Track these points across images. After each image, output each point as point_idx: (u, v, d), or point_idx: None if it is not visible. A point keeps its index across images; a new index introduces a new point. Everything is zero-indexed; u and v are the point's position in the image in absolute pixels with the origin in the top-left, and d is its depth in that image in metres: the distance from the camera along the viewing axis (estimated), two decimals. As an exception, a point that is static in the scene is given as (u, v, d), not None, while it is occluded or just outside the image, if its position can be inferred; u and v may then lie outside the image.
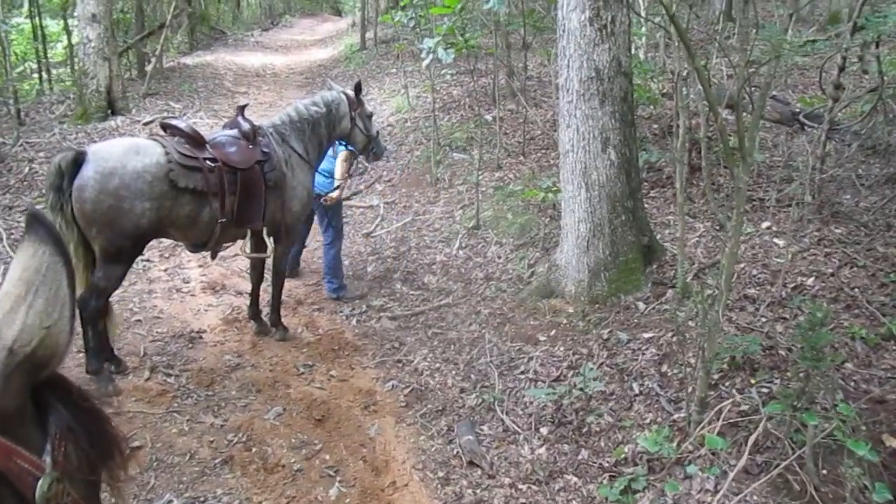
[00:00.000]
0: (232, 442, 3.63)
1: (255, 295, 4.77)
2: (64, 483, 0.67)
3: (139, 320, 4.86)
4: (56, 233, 0.73)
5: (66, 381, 0.75)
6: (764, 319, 3.93)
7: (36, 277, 0.70)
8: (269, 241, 4.40)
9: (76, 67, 11.13)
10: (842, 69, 4.90)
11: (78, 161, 3.67)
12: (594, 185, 4.51)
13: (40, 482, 0.65)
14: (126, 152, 3.77)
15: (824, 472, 2.88)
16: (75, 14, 10.84)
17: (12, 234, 6.09)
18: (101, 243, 3.77)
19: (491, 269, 5.47)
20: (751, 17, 3.42)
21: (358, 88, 5.07)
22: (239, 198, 4.12)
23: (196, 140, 4.06)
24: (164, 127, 4.19)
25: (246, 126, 4.32)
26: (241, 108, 4.51)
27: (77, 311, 3.49)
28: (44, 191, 3.69)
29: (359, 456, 3.62)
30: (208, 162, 4.00)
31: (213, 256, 4.52)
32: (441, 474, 3.45)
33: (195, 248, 4.31)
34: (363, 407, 4.05)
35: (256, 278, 4.74)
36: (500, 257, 5.59)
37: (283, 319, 4.83)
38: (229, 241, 4.41)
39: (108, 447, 0.78)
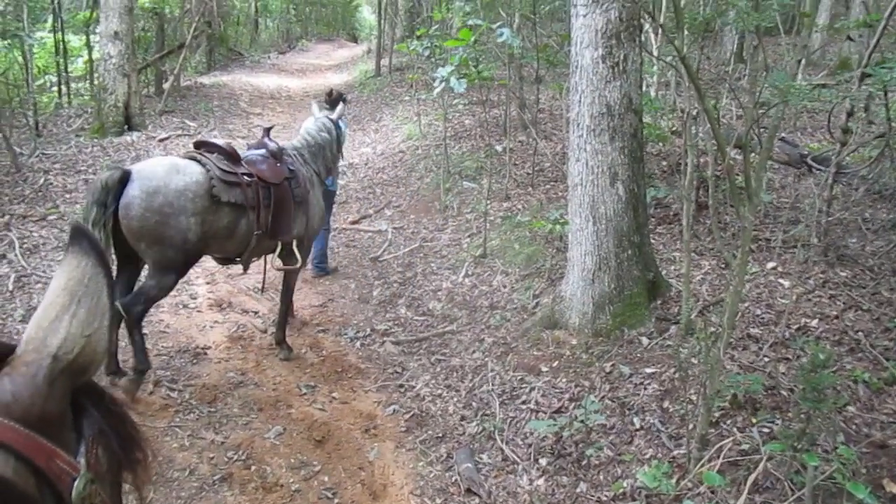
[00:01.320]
0: (232, 459, 3.64)
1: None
2: (97, 484, 0.70)
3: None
4: (98, 245, 0.77)
5: (97, 385, 0.79)
6: (767, 359, 3.94)
7: (79, 288, 0.73)
8: (298, 254, 4.71)
9: (96, 82, 11.33)
10: (850, 114, 4.96)
11: (123, 180, 3.85)
12: (602, 219, 4.55)
13: (76, 482, 0.67)
14: (168, 171, 3.97)
15: (823, 514, 2.87)
16: (97, 31, 11.06)
17: (24, 242, 6.16)
18: (152, 257, 3.99)
19: (496, 297, 5.49)
20: (760, 60, 3.49)
21: (337, 100, 5.79)
22: (272, 211, 4.42)
23: (233, 157, 4.33)
24: (199, 145, 4.44)
25: (273, 146, 4.64)
26: (267, 130, 4.88)
27: (128, 315, 3.71)
28: (86, 204, 3.88)
29: (357, 479, 3.62)
30: (245, 177, 4.26)
31: (246, 268, 4.72)
32: (439, 501, 3.45)
33: (227, 260, 4.59)
34: (363, 430, 4.06)
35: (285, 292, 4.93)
36: (505, 286, 5.62)
37: (287, 339, 4.87)
38: (261, 254, 4.71)
39: (134, 450, 0.81)
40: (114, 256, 4.05)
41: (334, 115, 5.43)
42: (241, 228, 4.25)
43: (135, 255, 4.05)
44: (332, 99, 5.95)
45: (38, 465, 0.64)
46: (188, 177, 3.99)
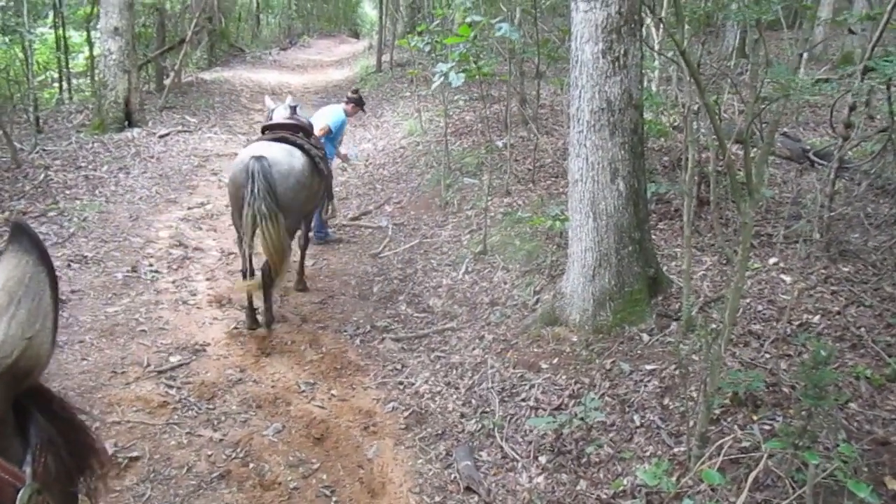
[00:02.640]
0: (230, 457, 3.62)
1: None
2: (44, 494, 0.66)
3: (144, 330, 4.88)
4: (40, 243, 0.72)
5: (46, 390, 0.75)
6: (768, 356, 3.91)
7: (19, 288, 0.69)
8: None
9: (96, 78, 11.32)
10: (852, 109, 4.92)
11: (264, 166, 4.67)
12: (602, 215, 4.53)
13: (20, 493, 0.63)
14: (289, 156, 4.96)
15: (824, 512, 2.84)
16: (98, 26, 11.04)
17: (24, 240, 6.15)
18: (289, 223, 4.92)
19: (496, 294, 5.47)
20: (762, 54, 3.46)
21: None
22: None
23: (309, 133, 5.46)
24: (278, 126, 5.35)
25: (307, 123, 5.66)
26: (294, 108, 5.67)
27: (263, 273, 4.75)
28: (237, 189, 4.73)
29: (356, 477, 3.61)
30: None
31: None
32: (438, 499, 3.44)
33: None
34: (363, 427, 4.05)
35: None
36: (505, 283, 5.59)
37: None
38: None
39: (88, 458, 0.77)
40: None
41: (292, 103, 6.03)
42: (320, 192, 5.53)
43: None
44: (356, 98, 7.15)
45: None
46: (301, 159, 5.01)
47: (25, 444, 0.68)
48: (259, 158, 4.70)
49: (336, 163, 7.31)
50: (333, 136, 6.87)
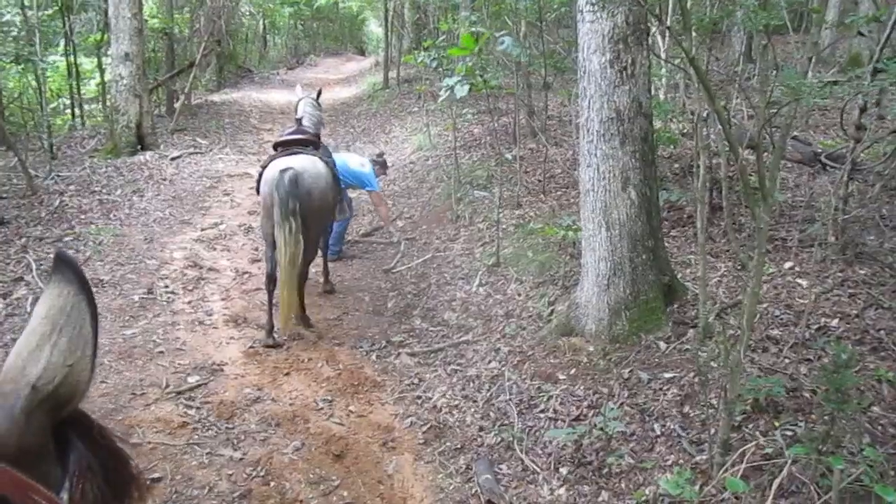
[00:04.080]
0: (251, 476, 3.63)
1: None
2: None
3: (162, 352, 4.91)
4: (82, 273, 0.74)
5: (87, 418, 0.76)
6: (787, 361, 3.89)
7: (60, 316, 0.71)
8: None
9: (108, 104, 11.47)
10: (863, 110, 4.90)
11: (298, 176, 5.06)
12: (615, 224, 4.53)
13: None
14: (314, 165, 5.32)
15: (851, 518, 2.81)
16: (109, 52, 11.20)
17: (41, 264, 6.22)
18: (320, 224, 5.50)
19: (511, 306, 5.47)
20: (770, 59, 3.46)
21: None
22: None
23: (318, 146, 5.75)
24: (291, 143, 5.57)
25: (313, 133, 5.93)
26: (298, 121, 6.02)
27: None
28: (282, 199, 4.99)
29: (376, 493, 3.60)
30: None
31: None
32: (459, 513, 3.42)
33: None
34: (382, 443, 4.04)
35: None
36: (520, 295, 5.59)
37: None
38: None
39: (126, 486, 0.78)
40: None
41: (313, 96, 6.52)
42: (339, 196, 5.84)
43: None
44: (382, 161, 7.71)
45: (14, 501, 0.62)
46: (322, 167, 5.38)
47: (64, 470, 0.70)
48: (288, 170, 5.06)
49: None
50: (358, 180, 7.07)
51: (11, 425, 0.65)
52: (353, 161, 7.14)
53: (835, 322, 4.15)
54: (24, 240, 6.76)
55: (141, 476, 0.81)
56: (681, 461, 3.41)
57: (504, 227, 6.57)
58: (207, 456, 3.77)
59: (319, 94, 6.64)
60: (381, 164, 7.61)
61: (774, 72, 3.50)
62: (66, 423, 0.72)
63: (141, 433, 3.89)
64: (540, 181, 7.69)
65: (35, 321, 0.72)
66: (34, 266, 6.13)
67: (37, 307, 0.73)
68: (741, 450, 3.15)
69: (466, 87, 5.92)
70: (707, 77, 3.06)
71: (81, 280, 0.74)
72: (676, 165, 7.20)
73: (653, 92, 5.56)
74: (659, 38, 7.27)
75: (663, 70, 7.58)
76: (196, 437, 3.95)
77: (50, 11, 11.73)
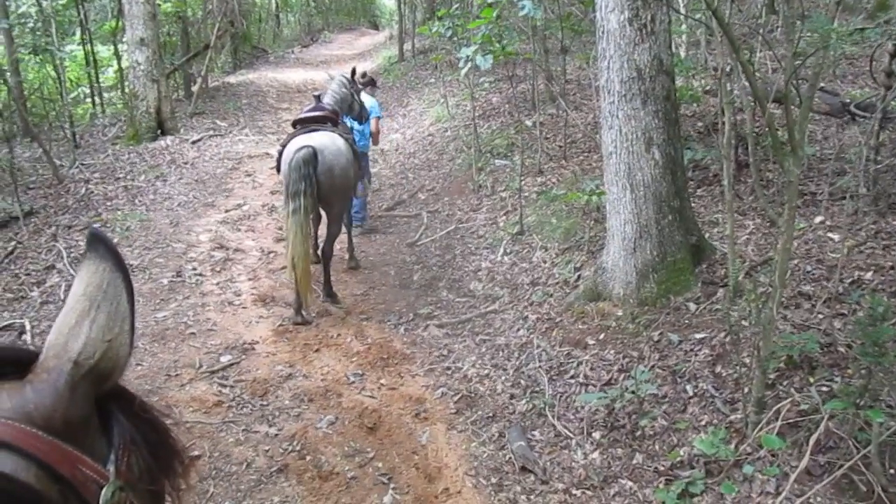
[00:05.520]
0: (287, 451, 3.69)
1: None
2: (127, 492, 0.69)
3: (193, 333, 4.98)
4: (116, 250, 0.76)
5: (128, 392, 0.78)
6: (821, 316, 3.82)
7: (98, 293, 0.73)
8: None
9: (126, 90, 11.53)
10: (893, 56, 4.74)
11: (316, 155, 5.06)
12: (639, 186, 4.46)
13: (104, 490, 0.66)
14: (333, 141, 5.32)
15: (892, 471, 2.78)
16: (124, 39, 11.23)
17: (72, 252, 6.32)
18: (341, 202, 5.49)
19: (537, 274, 5.45)
20: (796, 7, 3.35)
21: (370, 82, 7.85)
22: None
23: (336, 122, 5.75)
24: (310, 120, 5.62)
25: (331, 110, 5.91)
26: (317, 97, 6.01)
27: (323, 256, 5.48)
28: (292, 181, 5.00)
29: (411, 463, 3.64)
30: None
31: None
32: (494, 480, 3.45)
33: None
34: (414, 414, 4.08)
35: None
36: (545, 262, 5.56)
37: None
38: None
39: (169, 458, 0.80)
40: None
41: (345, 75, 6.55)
42: (359, 171, 5.87)
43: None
44: (366, 81, 7.62)
45: (62, 472, 0.63)
46: (342, 143, 5.38)
47: (109, 443, 0.71)
48: (301, 149, 5.06)
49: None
50: (375, 115, 7.44)
51: (56, 399, 0.67)
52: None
53: (869, 275, 4.07)
54: (53, 228, 6.87)
55: (183, 449, 0.83)
56: (715, 421, 3.39)
57: (526, 194, 6.52)
58: (243, 433, 3.83)
59: (354, 73, 6.74)
60: (371, 84, 7.85)
61: (800, 21, 3.38)
62: (108, 397, 0.73)
63: (178, 413, 3.96)
64: (561, 147, 7.60)
65: (73, 299, 0.74)
66: (65, 254, 6.23)
67: (74, 285, 0.75)
68: (776, 407, 3.12)
69: (489, 58, 5.84)
70: (730, 29, 2.97)
71: (116, 257, 0.75)
72: (700, 123, 7.06)
73: (673, 49, 5.43)
74: (678, -7, 7.08)
75: (683, 27, 7.40)
76: (231, 414, 4.02)
77: (64, 1, 11.76)
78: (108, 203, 7.78)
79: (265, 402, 4.15)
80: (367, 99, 7.49)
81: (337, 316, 5.34)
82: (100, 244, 0.75)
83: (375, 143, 7.87)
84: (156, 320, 5.14)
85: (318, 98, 6.03)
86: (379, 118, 7.52)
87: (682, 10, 6.62)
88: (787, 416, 3.09)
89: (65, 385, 0.68)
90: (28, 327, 4.98)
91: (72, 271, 5.92)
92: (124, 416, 0.74)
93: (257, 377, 4.41)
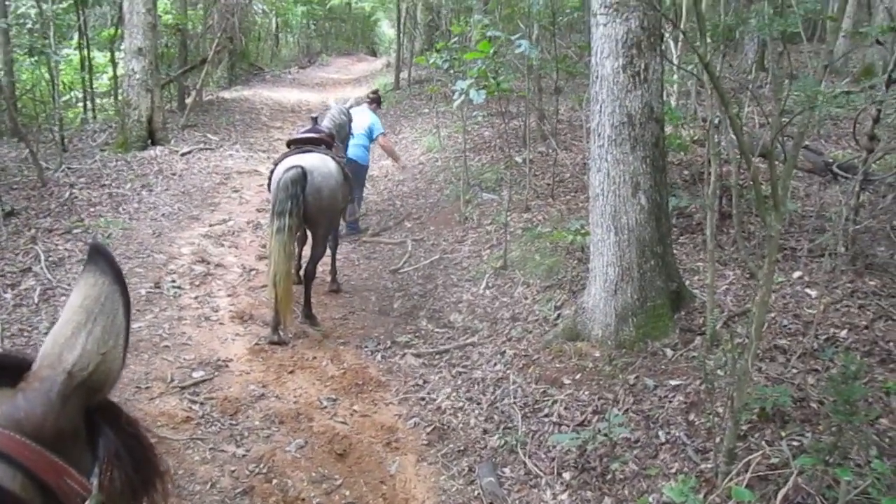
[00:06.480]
0: (253, 472, 3.63)
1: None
2: None
3: (167, 346, 4.91)
4: (116, 264, 0.77)
5: (116, 407, 0.79)
6: (795, 371, 3.86)
7: (95, 306, 0.74)
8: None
9: (120, 98, 11.51)
10: (876, 121, 4.87)
11: (305, 176, 5.09)
12: (624, 229, 4.51)
13: (86, 503, 0.66)
14: (323, 163, 5.35)
15: (857, 531, 2.79)
16: (122, 47, 11.24)
17: (50, 255, 6.24)
18: (326, 224, 5.51)
19: (517, 309, 5.45)
20: (785, 67, 3.44)
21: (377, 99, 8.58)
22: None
23: (331, 145, 5.79)
24: (304, 142, 5.68)
25: (327, 133, 6.00)
26: (315, 119, 6.17)
27: (305, 276, 5.49)
28: (280, 200, 5.03)
29: (379, 493, 3.59)
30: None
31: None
32: (461, 515, 3.41)
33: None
34: (385, 443, 4.04)
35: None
36: (526, 298, 5.58)
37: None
38: None
39: (150, 475, 0.80)
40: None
41: (346, 106, 6.86)
42: (348, 194, 5.91)
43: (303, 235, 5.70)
44: (374, 97, 8.25)
45: (47, 482, 0.63)
46: (333, 165, 5.43)
47: (94, 456, 0.71)
48: (291, 169, 5.11)
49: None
50: (374, 132, 7.94)
51: (48, 409, 0.67)
52: (361, 118, 7.70)
53: (843, 333, 4.12)
54: (33, 231, 6.79)
55: (165, 467, 0.83)
56: (685, 469, 3.39)
57: (512, 230, 6.55)
58: (210, 451, 3.77)
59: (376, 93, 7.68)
60: (376, 101, 8.31)
61: (789, 80, 3.48)
62: (96, 410, 0.74)
63: (145, 427, 3.89)
64: (549, 185, 7.67)
65: (70, 310, 0.74)
66: (43, 257, 6.15)
67: (72, 296, 0.76)
68: (747, 459, 3.13)
69: (483, 93, 5.92)
70: (721, 83, 3.05)
71: (116, 271, 0.77)
72: (686, 172, 7.17)
73: (664, 98, 5.54)
74: (671, 43, 7.25)
75: (675, 76, 7.56)
76: (199, 432, 3.95)
77: (64, 5, 11.78)
78: (92, 209, 7.71)
79: (235, 422, 4.09)
80: (368, 115, 7.88)
81: (314, 338, 5.30)
82: (100, 258, 0.77)
83: (396, 158, 8.73)
84: (130, 331, 5.06)
85: (315, 120, 6.14)
86: (384, 134, 8.02)
87: (675, 61, 6.76)
88: (758, 469, 3.10)
89: (57, 395, 0.68)
90: (-1, 329, 4.89)
91: (49, 275, 5.84)
92: (111, 429, 0.74)
93: (229, 395, 4.35)
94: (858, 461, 3.03)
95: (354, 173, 6.87)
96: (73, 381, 0.69)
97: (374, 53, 30.00)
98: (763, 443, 3.33)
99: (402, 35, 17.20)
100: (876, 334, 4.06)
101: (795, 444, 3.26)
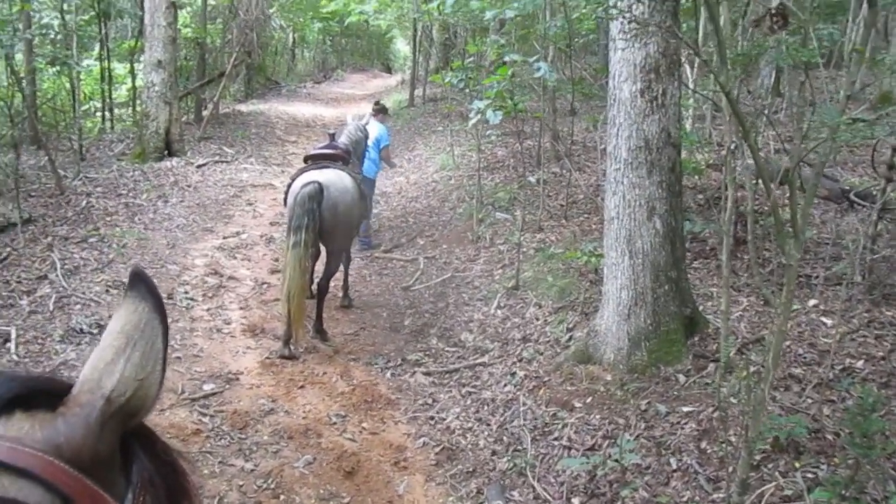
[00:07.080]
0: (261, 488, 3.61)
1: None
2: None
3: (179, 357, 4.92)
4: (156, 290, 0.77)
5: (151, 432, 0.79)
6: (810, 401, 3.81)
7: (135, 332, 0.74)
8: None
9: (138, 109, 11.63)
10: (895, 150, 4.84)
11: (322, 191, 5.15)
12: (638, 253, 4.49)
13: None
14: (341, 179, 5.42)
15: (873, 568, 2.74)
16: (142, 59, 11.39)
17: (65, 263, 6.28)
18: (340, 239, 5.51)
19: (529, 330, 5.43)
20: (807, 95, 3.44)
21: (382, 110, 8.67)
22: None
23: (347, 161, 5.91)
24: (320, 157, 5.78)
25: (343, 150, 6.11)
26: (332, 136, 6.30)
27: (318, 291, 5.58)
28: (297, 215, 5.10)
29: (386, 512, 3.57)
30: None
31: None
32: (469, 538, 3.38)
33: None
34: (393, 462, 4.01)
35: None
36: (538, 319, 5.55)
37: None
38: None
39: (181, 502, 0.80)
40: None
41: (363, 122, 7.02)
42: (364, 210, 6.01)
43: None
44: (378, 108, 8.27)
45: None
46: (349, 181, 5.48)
47: (127, 481, 0.71)
48: (309, 185, 5.17)
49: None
50: (384, 145, 8.07)
51: (87, 434, 0.67)
52: (370, 131, 7.75)
53: (860, 363, 4.07)
54: (49, 238, 6.84)
55: (197, 493, 0.83)
56: (697, 498, 3.35)
57: (525, 250, 6.55)
58: (219, 465, 3.76)
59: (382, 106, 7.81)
60: (382, 111, 8.43)
61: (810, 107, 3.47)
62: (131, 435, 0.74)
63: (178, 452, 3.88)
64: (562, 206, 7.67)
65: (111, 336, 0.75)
66: (58, 265, 6.19)
67: (112, 322, 0.76)
68: (760, 490, 3.09)
69: (500, 114, 5.96)
70: (739, 109, 3.04)
71: (156, 297, 0.77)
72: (700, 196, 7.15)
73: (680, 121, 5.54)
74: (688, 67, 7.26)
75: (691, 101, 7.57)
76: (208, 445, 3.95)
77: (87, 17, 11.95)
78: (108, 218, 7.77)
79: (244, 436, 4.08)
80: (376, 127, 7.94)
81: (325, 353, 5.30)
82: (141, 283, 0.77)
83: (392, 166, 9.06)
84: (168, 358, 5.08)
85: (332, 136, 6.24)
86: (387, 146, 8.15)
87: (691, 85, 6.77)
88: (771, 501, 3.06)
89: (96, 421, 0.68)
90: (13, 335, 4.91)
91: (64, 283, 5.88)
92: (145, 455, 0.74)
93: (238, 409, 4.35)
94: (875, 496, 2.98)
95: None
96: (111, 406, 0.70)
97: (388, 70, 30.24)
98: (777, 473, 3.28)
99: (417, 53, 17.32)
100: (893, 365, 4.01)
101: (810, 476, 3.21)
